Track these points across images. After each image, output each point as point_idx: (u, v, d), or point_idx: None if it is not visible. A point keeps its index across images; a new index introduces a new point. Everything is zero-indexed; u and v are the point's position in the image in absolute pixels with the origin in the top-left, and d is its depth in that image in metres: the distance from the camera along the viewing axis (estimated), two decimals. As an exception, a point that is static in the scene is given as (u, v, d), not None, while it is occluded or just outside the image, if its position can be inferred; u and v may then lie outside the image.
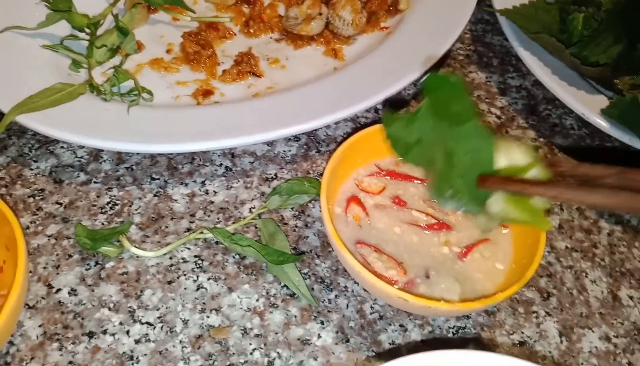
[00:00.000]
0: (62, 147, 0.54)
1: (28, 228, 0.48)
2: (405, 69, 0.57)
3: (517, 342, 0.45)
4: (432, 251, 0.46)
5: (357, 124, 0.59)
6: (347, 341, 0.44)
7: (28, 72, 0.55)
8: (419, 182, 0.50)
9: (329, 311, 0.46)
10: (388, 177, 0.51)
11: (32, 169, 0.52)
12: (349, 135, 0.57)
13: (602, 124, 0.55)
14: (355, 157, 0.50)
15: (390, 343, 0.44)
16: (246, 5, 0.67)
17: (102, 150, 0.54)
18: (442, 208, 0.48)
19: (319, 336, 0.44)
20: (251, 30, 0.64)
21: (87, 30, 0.59)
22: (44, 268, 0.46)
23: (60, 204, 0.50)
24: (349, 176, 0.50)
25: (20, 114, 0.50)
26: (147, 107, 0.54)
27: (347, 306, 0.46)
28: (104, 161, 0.53)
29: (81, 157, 0.54)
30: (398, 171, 0.51)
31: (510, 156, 0.39)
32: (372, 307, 0.46)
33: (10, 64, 0.55)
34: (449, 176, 0.40)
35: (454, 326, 0.45)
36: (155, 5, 0.63)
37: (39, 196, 0.50)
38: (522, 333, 0.45)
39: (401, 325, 0.45)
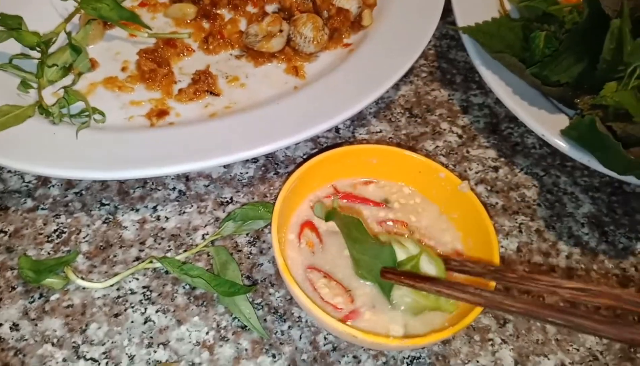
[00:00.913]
0: (8, 172, 0.52)
1: (-31, 258, 0.47)
2: (368, 87, 0.56)
3: (472, 373, 0.44)
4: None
5: (318, 145, 0.58)
6: (298, 375, 0.43)
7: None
8: (374, 205, 0.49)
9: (281, 344, 0.44)
10: (345, 201, 0.50)
11: (-24, 196, 0.51)
12: (309, 156, 0.56)
13: (562, 145, 0.54)
14: (312, 181, 0.49)
15: (342, 376, 0.43)
16: (206, 21, 0.65)
17: (51, 174, 0.52)
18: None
19: (270, 371, 0.43)
20: (210, 47, 0.63)
21: (38, 49, 0.57)
22: (-15, 301, 0.45)
23: (5, 232, 0.48)
24: (304, 199, 0.49)
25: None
26: (98, 130, 0.53)
27: (300, 337, 0.45)
28: (53, 186, 0.52)
29: (29, 182, 0.52)
30: (355, 193, 0.50)
31: (406, 248, 0.41)
32: (325, 338, 0.45)
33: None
34: (360, 267, 0.44)
35: (409, 356, 0.45)
36: (111, 21, 0.61)
37: (-18, 224, 0.49)
38: (478, 362, 0.45)
39: (355, 357, 0.44)
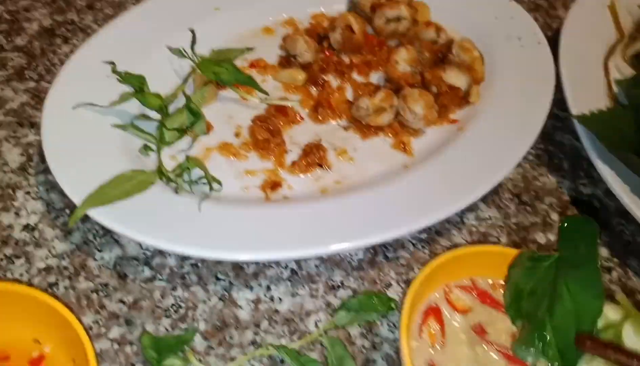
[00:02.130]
0: (127, 237, 0.53)
1: (91, 328, 0.47)
2: (484, 173, 0.55)
3: None
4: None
5: (427, 229, 0.57)
6: None
7: (98, 154, 0.54)
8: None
9: None
10: (478, 299, 0.49)
11: (96, 260, 0.51)
12: (417, 240, 0.56)
13: (685, 257, 0.52)
14: (447, 272, 0.48)
15: None
16: (314, 87, 0.65)
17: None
18: (520, 357, 0.44)
19: None
20: (319, 117, 0.63)
21: (159, 111, 0.58)
22: (107, 377, 0.45)
23: (124, 302, 0.49)
24: (437, 287, 0.49)
25: (93, 207, 0.49)
26: (215, 201, 0.53)
27: None
28: (169, 256, 0.52)
29: (146, 249, 0.52)
30: (493, 295, 0.49)
31: (605, 314, 0.39)
32: None
33: (80, 143, 0.54)
34: (545, 326, 0.40)
35: None
36: (228, 84, 0.62)
37: (102, 291, 0.49)
38: None
39: None
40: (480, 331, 0.47)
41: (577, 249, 0.46)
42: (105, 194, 0.50)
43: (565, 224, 0.49)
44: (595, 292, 0.41)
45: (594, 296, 0.41)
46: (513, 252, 0.49)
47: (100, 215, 0.49)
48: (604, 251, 0.58)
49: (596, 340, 0.38)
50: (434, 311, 0.48)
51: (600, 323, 0.40)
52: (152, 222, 0.50)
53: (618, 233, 0.59)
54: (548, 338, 0.41)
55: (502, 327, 0.47)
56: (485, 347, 0.46)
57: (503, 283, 0.49)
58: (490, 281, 0.50)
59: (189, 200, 0.52)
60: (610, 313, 0.40)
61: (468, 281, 0.50)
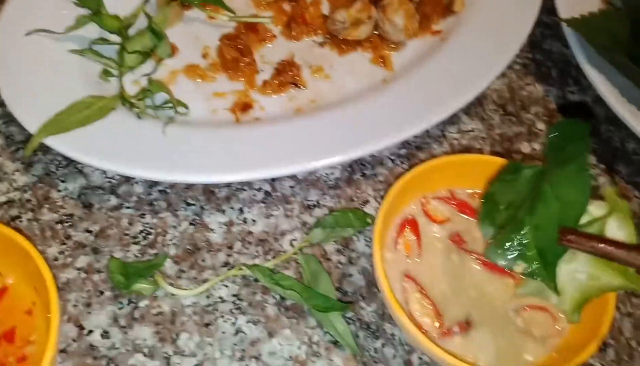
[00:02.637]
0: (90, 166, 0.51)
1: (56, 259, 0.46)
2: (465, 84, 0.53)
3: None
4: (483, 297, 0.43)
5: (405, 144, 0.54)
6: (394, 397, 0.41)
7: (56, 82, 0.51)
8: None
9: (375, 362, 0.43)
10: (456, 209, 0.47)
11: (59, 191, 0.49)
12: (396, 156, 0.54)
13: (676, 158, 0.50)
14: (425, 182, 0.46)
15: (440, 402, 0.41)
16: (286, 2, 0.62)
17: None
18: (495, 261, 0.42)
19: (365, 391, 0.42)
20: (293, 33, 0.59)
21: (118, 33, 0.55)
22: (74, 306, 0.44)
23: (90, 232, 0.47)
24: (413, 198, 0.47)
25: (49, 135, 0.46)
26: (183, 125, 0.51)
27: (394, 356, 0.43)
28: (136, 183, 0.50)
29: (112, 177, 0.50)
30: (472, 205, 0.47)
31: (589, 211, 0.37)
32: (420, 358, 0.43)
33: (36, 72, 0.51)
34: (524, 225, 0.38)
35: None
36: (192, 3, 0.58)
37: (67, 222, 0.48)
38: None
39: (452, 382, 0.42)
40: (458, 240, 0.45)
41: (564, 151, 0.43)
42: (63, 121, 0.47)
43: (554, 129, 0.45)
44: (581, 187, 0.38)
45: (579, 191, 0.38)
46: (492, 160, 0.46)
47: (60, 144, 0.47)
48: (590, 158, 0.55)
49: (580, 233, 0.36)
50: (410, 223, 0.46)
51: (582, 220, 0.38)
52: (115, 148, 0.47)
53: (606, 140, 0.57)
54: (527, 238, 0.39)
55: (480, 236, 0.46)
56: (463, 255, 0.45)
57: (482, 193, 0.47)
58: (469, 191, 0.48)
59: (154, 125, 0.49)
60: (594, 209, 0.38)
61: (446, 192, 0.48)
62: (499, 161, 0.46)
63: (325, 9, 0.62)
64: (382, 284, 0.40)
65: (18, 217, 0.47)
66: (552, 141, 0.45)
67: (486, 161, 0.47)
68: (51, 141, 0.46)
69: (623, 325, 0.46)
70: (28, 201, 0.48)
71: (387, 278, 0.40)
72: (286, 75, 0.56)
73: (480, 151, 0.54)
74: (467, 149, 0.55)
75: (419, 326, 0.41)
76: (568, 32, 0.57)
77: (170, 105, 0.51)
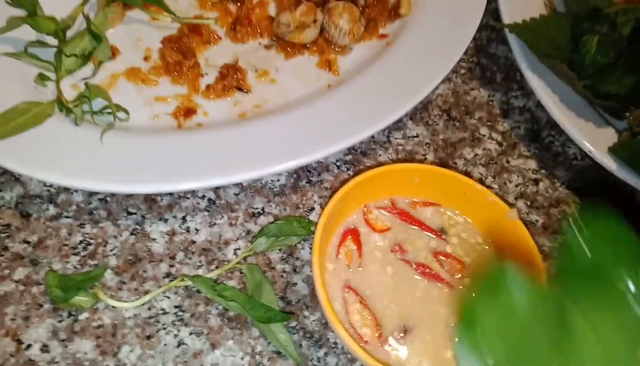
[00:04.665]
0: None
1: (-8, 271, 0.45)
2: (409, 89, 0.53)
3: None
4: (421, 305, 0.44)
5: (351, 150, 0.55)
6: (335, 406, 0.42)
7: (-10, 86, 0.49)
8: (432, 235, 0.47)
9: (317, 371, 0.43)
10: (398, 218, 0.47)
11: (-5, 200, 0.48)
12: (342, 162, 0.54)
13: (610, 165, 0.52)
14: (366, 192, 0.47)
15: (379, 409, 0.42)
16: (232, 3, 0.61)
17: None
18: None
19: (306, 401, 0.42)
20: (238, 35, 0.59)
21: (55, 36, 0.53)
22: (12, 319, 0.43)
23: (29, 243, 0.46)
24: (355, 209, 0.47)
25: (-15, 144, 0.45)
26: (122, 131, 0.49)
27: (337, 364, 0.44)
28: (75, 191, 0.49)
29: (50, 186, 0.49)
30: (413, 215, 0.48)
31: None
32: (362, 367, 0.44)
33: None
34: None
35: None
36: (133, 3, 0.57)
37: (4, 232, 0.46)
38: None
39: (392, 388, 0.43)
40: (399, 250, 0.46)
41: (595, 266, 0.29)
42: (-2, 128, 0.46)
43: (572, 224, 0.31)
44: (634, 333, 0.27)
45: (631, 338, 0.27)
46: (429, 168, 0.47)
47: (-6, 153, 0.45)
48: (532, 163, 0.57)
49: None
50: (351, 233, 0.46)
51: None
52: (52, 157, 0.46)
53: (547, 145, 0.58)
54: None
55: (421, 244, 0.47)
56: (403, 265, 0.46)
57: (422, 202, 0.48)
58: (408, 201, 0.48)
59: (92, 132, 0.48)
60: None
61: (388, 201, 0.48)
62: (439, 171, 0.47)
63: (272, 10, 0.61)
64: (321, 296, 0.40)
65: (-50, 229, 0.46)
66: (569, 244, 0.31)
67: (427, 171, 0.47)
68: (-15, 152, 0.45)
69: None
70: (-39, 212, 0.47)
71: (325, 290, 0.41)
72: (230, 79, 0.55)
73: (424, 157, 0.55)
74: (411, 154, 0.55)
75: (360, 336, 0.42)
76: (511, 38, 0.59)
77: (109, 110, 0.50)
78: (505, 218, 0.45)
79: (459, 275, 0.46)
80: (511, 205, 0.46)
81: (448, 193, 0.48)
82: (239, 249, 0.48)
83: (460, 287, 0.45)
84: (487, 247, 0.47)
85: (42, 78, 0.51)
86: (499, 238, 0.47)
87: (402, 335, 0.43)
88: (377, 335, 0.42)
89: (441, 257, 0.46)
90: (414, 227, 0.47)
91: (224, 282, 0.46)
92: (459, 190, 0.47)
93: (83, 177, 0.45)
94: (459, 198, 0.48)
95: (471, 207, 0.47)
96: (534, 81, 0.56)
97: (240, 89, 0.55)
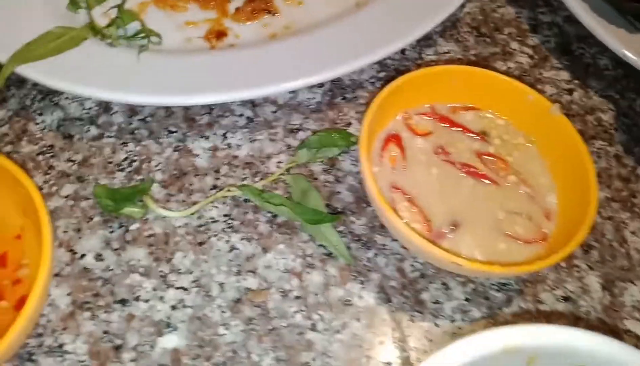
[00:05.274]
0: (66, 98, 0.50)
1: (41, 188, 0.45)
2: (437, 4, 0.53)
3: (561, 297, 0.44)
4: (469, 201, 0.44)
5: (384, 67, 0.55)
6: (389, 301, 0.43)
7: (21, 14, 0.49)
8: (475, 136, 0.47)
9: (368, 271, 0.44)
10: (439, 123, 0.48)
11: (37, 124, 0.48)
12: (376, 79, 0.54)
13: (645, 66, 0.52)
14: (406, 96, 0.46)
15: (433, 302, 0.43)
16: None
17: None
18: None
19: (360, 297, 0.43)
20: (263, -40, 0.58)
21: (84, -37, 0.53)
22: (65, 231, 0.43)
23: (73, 161, 0.46)
24: (395, 114, 0.47)
25: (21, 64, 0.45)
26: (157, 53, 0.50)
27: (387, 264, 0.44)
28: (115, 113, 0.49)
29: (89, 108, 0.49)
30: (454, 119, 0.48)
31: None
32: (412, 265, 0.44)
33: (1, 3, 0.49)
34: None
35: (497, 283, 0.44)
36: None
37: (48, 153, 0.47)
38: (565, 288, 0.44)
39: (443, 283, 0.44)
40: (442, 152, 0.46)
41: None
42: (34, 50, 0.46)
43: None
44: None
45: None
46: (471, 70, 0.47)
47: (36, 72, 0.45)
48: (564, 74, 0.57)
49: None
50: (393, 137, 0.46)
51: None
52: (92, 75, 0.46)
53: (578, 57, 0.58)
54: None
55: (463, 147, 0.47)
56: (448, 166, 0.46)
57: (462, 106, 0.48)
58: (447, 106, 0.48)
59: (128, 52, 0.48)
60: None
61: (427, 107, 0.48)
62: (477, 71, 0.47)
63: None
64: (373, 193, 0.40)
65: (-4, 150, 0.46)
66: None
67: (465, 71, 0.47)
68: (27, 70, 0.45)
69: (605, 229, 0.48)
70: (5, 135, 0.47)
71: (376, 185, 0.41)
72: (258, 2, 0.55)
73: (457, 70, 0.55)
74: (444, 69, 0.55)
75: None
76: (536, -49, 0.58)
77: (142, 35, 0.50)
78: (549, 114, 0.45)
79: (504, 173, 0.46)
80: (553, 102, 0.46)
81: (488, 94, 0.48)
82: (281, 162, 0.48)
83: (507, 184, 0.45)
84: (530, 145, 0.47)
85: (73, 5, 0.51)
86: (543, 136, 0.47)
87: (452, 228, 0.43)
88: (428, 228, 0.43)
89: (485, 157, 0.46)
90: (455, 130, 0.47)
91: (270, 191, 0.46)
92: (499, 90, 0.47)
93: (124, 91, 0.45)
94: (499, 99, 0.48)
95: (512, 107, 0.47)
96: (564, -9, 0.56)
97: (268, 11, 0.55)
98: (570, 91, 0.56)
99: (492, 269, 0.38)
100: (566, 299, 0.44)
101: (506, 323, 0.42)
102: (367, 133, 0.43)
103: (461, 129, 0.48)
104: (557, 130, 0.45)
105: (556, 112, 0.45)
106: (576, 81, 0.56)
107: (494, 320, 0.42)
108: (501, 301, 0.43)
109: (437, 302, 0.43)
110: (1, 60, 0.45)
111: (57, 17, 0.50)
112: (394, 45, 0.50)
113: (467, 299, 0.43)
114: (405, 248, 0.45)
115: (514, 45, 0.58)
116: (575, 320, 0.43)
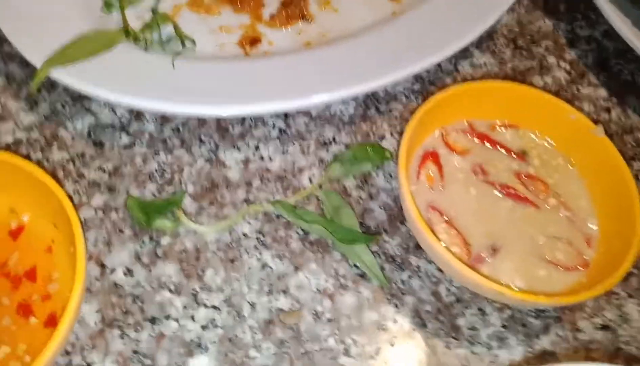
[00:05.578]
0: (98, 104, 0.49)
1: (71, 198, 0.44)
2: (476, 15, 0.51)
3: (600, 325, 0.43)
4: (508, 224, 0.43)
5: (419, 79, 0.54)
6: (425, 326, 0.42)
7: (57, 15, 0.48)
8: (513, 156, 0.46)
9: (402, 294, 0.43)
10: (477, 141, 0.46)
11: (68, 130, 0.47)
12: (410, 91, 0.53)
13: (689, 87, 0.50)
14: (443, 113, 0.45)
15: (469, 328, 0.42)
16: None
17: (144, 108, 0.49)
18: None
19: (395, 321, 0.42)
20: (298, -35, 0.57)
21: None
22: (94, 245, 0.42)
23: (104, 170, 0.46)
24: (432, 131, 0.46)
25: (55, 66, 0.44)
26: (192, 59, 0.48)
27: (422, 287, 0.43)
28: (147, 121, 0.48)
29: (121, 115, 0.48)
30: (492, 137, 0.47)
31: None
32: (447, 289, 0.43)
33: (36, 6, 0.48)
34: None
35: (535, 310, 0.43)
36: None
37: (79, 160, 0.46)
38: (604, 316, 0.43)
39: (479, 309, 0.43)
40: (480, 171, 0.45)
41: None
42: (68, 54, 0.45)
43: None
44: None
45: None
46: (510, 86, 0.46)
47: (68, 77, 0.44)
48: (602, 92, 0.55)
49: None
50: (431, 155, 0.45)
51: None
52: (125, 81, 0.45)
53: (616, 73, 0.57)
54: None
55: (502, 166, 0.46)
56: (486, 186, 0.45)
57: (500, 124, 0.47)
58: (486, 123, 0.47)
59: (161, 58, 0.47)
60: None
61: (465, 124, 0.47)
62: (518, 88, 0.46)
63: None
64: (413, 213, 0.39)
65: (27, 156, 0.45)
66: None
67: (505, 88, 0.46)
68: (59, 74, 0.44)
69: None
70: (36, 140, 0.46)
71: (416, 206, 0.40)
72: (293, 8, 0.54)
73: (494, 85, 0.54)
74: (480, 83, 0.54)
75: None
76: (578, -37, 0.57)
77: (176, 39, 0.49)
78: (590, 134, 0.44)
79: (544, 196, 0.45)
80: (595, 122, 0.45)
81: (527, 112, 0.46)
82: (313, 176, 0.47)
83: (547, 207, 0.44)
84: (571, 167, 0.46)
85: (108, 7, 0.50)
86: (583, 158, 0.45)
87: (491, 252, 0.42)
88: (467, 252, 0.42)
89: (524, 178, 0.45)
90: (494, 149, 0.46)
91: (302, 207, 0.45)
92: (540, 108, 0.46)
93: (157, 98, 0.44)
94: (539, 118, 0.46)
95: (552, 126, 0.46)
96: (605, 5, 0.54)
97: (303, 17, 0.54)
98: (608, 109, 0.54)
99: (537, 300, 0.37)
100: (605, 327, 0.43)
101: (544, 353, 0.41)
102: (405, 150, 0.42)
103: (500, 147, 0.46)
104: (599, 152, 0.44)
105: (600, 134, 0.44)
106: (614, 99, 0.55)
107: (531, 348, 0.41)
108: (539, 329, 0.42)
109: (473, 328, 0.42)
110: (35, 63, 0.44)
111: (91, 21, 0.49)
112: (433, 57, 0.49)
113: (504, 326, 0.42)
114: (440, 271, 0.44)
115: (551, 59, 0.57)
116: (614, 351, 0.42)
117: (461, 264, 0.38)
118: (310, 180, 0.47)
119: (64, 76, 0.44)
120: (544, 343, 0.41)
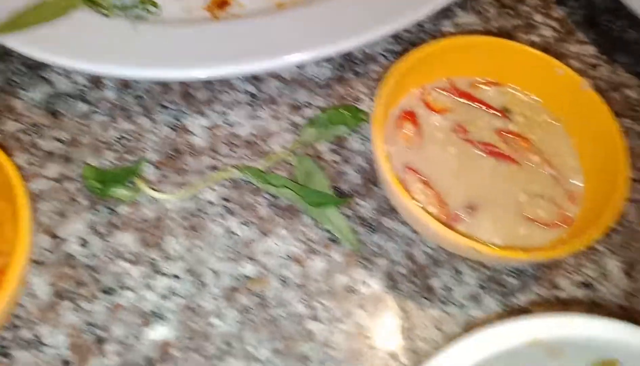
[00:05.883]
0: (56, 72, 0.46)
1: (24, 169, 0.42)
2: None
3: (580, 283, 0.40)
4: (488, 183, 0.40)
5: (399, 40, 0.51)
6: (397, 288, 0.39)
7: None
8: (496, 113, 0.43)
9: (375, 256, 0.40)
10: (458, 99, 0.44)
11: (22, 100, 0.45)
12: (389, 53, 0.50)
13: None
14: (423, 71, 0.43)
15: (443, 289, 0.39)
16: None
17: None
18: None
19: (366, 284, 0.39)
20: None
21: None
22: (48, 216, 0.40)
23: (60, 140, 0.43)
24: (411, 89, 0.43)
25: (8, 32, 0.42)
26: (155, 23, 0.46)
27: (395, 250, 0.40)
28: (107, 88, 0.46)
29: (79, 83, 0.46)
30: (474, 95, 0.44)
31: None
32: (422, 251, 0.40)
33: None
34: None
35: (513, 269, 0.40)
36: None
37: (33, 131, 0.43)
38: (584, 273, 0.40)
39: (456, 270, 0.40)
40: (460, 130, 0.42)
41: None
42: (21, 19, 0.43)
43: None
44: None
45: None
46: (495, 41, 0.43)
47: (23, 44, 0.42)
48: (590, 49, 0.52)
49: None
50: (408, 114, 0.43)
51: None
52: (84, 46, 0.43)
53: (605, 30, 0.54)
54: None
55: (483, 124, 0.43)
56: (466, 145, 0.42)
57: (483, 81, 0.44)
58: (468, 81, 0.44)
59: (123, 23, 0.45)
60: None
61: (446, 82, 0.44)
62: (501, 43, 0.43)
63: None
64: (385, 173, 0.37)
65: (-24, 128, 0.43)
66: None
67: (487, 43, 0.43)
68: (14, 42, 0.42)
69: (628, 211, 0.44)
70: (-13, 112, 0.44)
71: (389, 164, 0.37)
72: (264, -30, 0.51)
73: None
74: (462, 43, 0.51)
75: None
76: None
77: (139, 5, 0.47)
78: (579, 90, 0.41)
79: (526, 153, 0.42)
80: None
81: (511, 68, 0.43)
82: (285, 141, 0.45)
83: (529, 164, 0.41)
84: (556, 123, 0.43)
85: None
86: (570, 114, 0.43)
87: (469, 211, 0.39)
88: (444, 212, 0.39)
89: (506, 135, 0.42)
90: (475, 106, 0.43)
91: (273, 173, 0.42)
92: (524, 63, 0.43)
93: (117, 63, 0.42)
94: (523, 74, 0.43)
95: (538, 82, 0.43)
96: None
97: (274, -20, 0.51)
98: (595, 67, 0.51)
99: (513, 256, 0.34)
100: (585, 284, 0.40)
101: (521, 311, 0.38)
102: (380, 110, 0.39)
103: (482, 105, 0.44)
104: (587, 107, 0.41)
105: (586, 88, 0.41)
106: (603, 56, 0.52)
107: (508, 307, 0.38)
108: (517, 288, 0.39)
109: (447, 289, 0.39)
110: (-15, 30, 0.42)
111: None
112: (411, 16, 0.46)
113: (480, 287, 0.39)
114: (416, 232, 0.41)
115: (538, 17, 0.54)
116: (593, 307, 0.39)
117: (435, 222, 0.35)
118: (283, 145, 0.44)
119: (20, 44, 0.42)
120: (521, 301, 0.39)
